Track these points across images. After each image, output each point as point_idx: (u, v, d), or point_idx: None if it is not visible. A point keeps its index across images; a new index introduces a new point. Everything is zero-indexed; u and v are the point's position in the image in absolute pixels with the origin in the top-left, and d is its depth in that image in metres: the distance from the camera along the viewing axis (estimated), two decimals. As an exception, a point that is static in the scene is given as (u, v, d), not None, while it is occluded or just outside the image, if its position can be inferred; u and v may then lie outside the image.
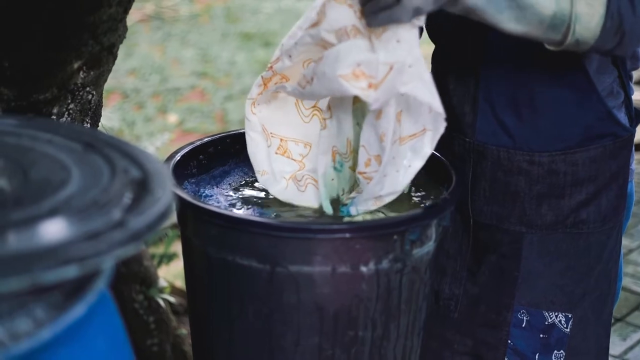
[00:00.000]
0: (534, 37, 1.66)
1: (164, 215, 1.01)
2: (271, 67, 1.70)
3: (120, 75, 6.94)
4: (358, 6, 1.53)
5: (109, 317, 1.12)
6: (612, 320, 3.50)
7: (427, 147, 1.59)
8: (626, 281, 3.87)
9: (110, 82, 6.57)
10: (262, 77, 1.73)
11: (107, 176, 1.09)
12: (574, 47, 1.66)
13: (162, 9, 9.04)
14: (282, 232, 1.55)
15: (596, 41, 1.65)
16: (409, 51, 1.51)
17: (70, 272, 0.88)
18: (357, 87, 1.51)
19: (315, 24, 1.59)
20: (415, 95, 1.53)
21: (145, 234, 0.97)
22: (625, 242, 4.17)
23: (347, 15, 1.55)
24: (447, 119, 1.94)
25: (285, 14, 9.15)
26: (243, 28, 8.59)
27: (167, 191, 1.06)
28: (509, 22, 1.60)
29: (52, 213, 0.98)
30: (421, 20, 1.53)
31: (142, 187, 1.07)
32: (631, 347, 3.45)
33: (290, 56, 1.66)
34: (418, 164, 1.60)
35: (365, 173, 1.65)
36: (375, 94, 1.50)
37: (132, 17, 8.40)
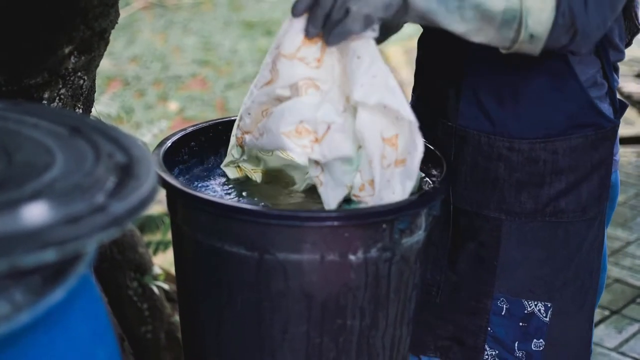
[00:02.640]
0: (489, 39, 1.66)
1: (146, 201, 1.01)
2: (238, 125, 1.77)
3: (122, 62, 6.95)
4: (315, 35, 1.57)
5: (91, 303, 1.12)
6: (609, 313, 3.53)
7: (415, 165, 1.59)
8: (623, 274, 3.88)
9: (111, 69, 6.61)
10: (235, 137, 1.79)
11: (92, 160, 1.08)
12: (528, 45, 1.66)
13: (165, -3, 9.04)
14: (271, 220, 1.55)
15: (549, 36, 1.65)
16: (370, 64, 1.54)
17: (49, 255, 0.88)
18: (298, 145, 1.58)
19: (269, 82, 1.64)
20: (384, 104, 1.54)
21: (127, 218, 0.97)
22: (623, 235, 4.17)
23: (298, 70, 1.59)
24: (432, 103, 1.96)
25: (288, 3, 9.12)
26: (246, 16, 8.59)
27: (151, 177, 1.06)
28: (461, 23, 1.62)
29: (34, 196, 0.97)
30: (375, 30, 1.55)
31: (127, 172, 1.06)
32: (627, 340, 3.46)
33: (249, 114, 1.72)
34: (410, 183, 1.60)
35: (359, 196, 1.66)
36: (319, 147, 1.58)
37: (134, 5, 8.41)
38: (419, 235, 1.64)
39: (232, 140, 1.80)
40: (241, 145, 1.78)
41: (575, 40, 1.67)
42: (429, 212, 1.65)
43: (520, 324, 1.96)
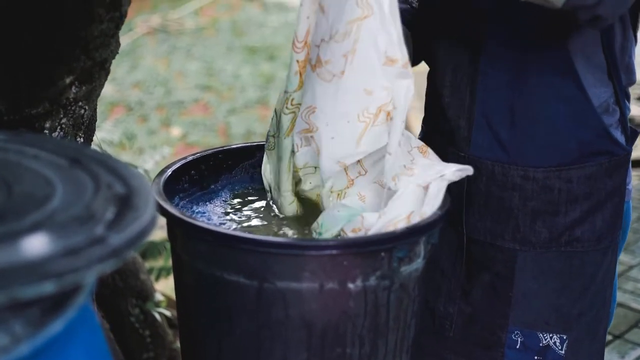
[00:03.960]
0: None
1: (145, 232, 1.02)
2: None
3: (125, 88, 6.97)
4: None
5: (91, 333, 1.13)
6: (611, 338, 3.52)
7: None
8: (625, 298, 3.87)
9: (115, 95, 6.63)
10: (297, 61, 1.71)
11: (91, 191, 1.09)
12: None
13: (168, 22, 9.08)
14: (270, 248, 1.55)
15: None
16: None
17: (47, 287, 0.89)
18: None
19: None
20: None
21: (126, 250, 0.98)
22: (626, 258, 4.16)
23: None
24: (443, 134, 1.95)
25: (290, 28, 9.16)
26: (248, 42, 8.62)
27: (149, 207, 1.06)
28: None
29: (33, 228, 0.98)
30: None
31: (126, 202, 1.07)
32: (629, 365, 3.45)
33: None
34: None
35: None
36: None
37: (137, 30, 8.45)
38: (418, 263, 1.64)
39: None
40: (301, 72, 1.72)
41: (601, 4, 1.59)
42: (427, 240, 1.65)
43: (536, 357, 1.94)
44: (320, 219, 1.70)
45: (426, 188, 1.63)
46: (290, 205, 1.81)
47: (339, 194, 1.72)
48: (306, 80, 1.70)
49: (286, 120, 1.75)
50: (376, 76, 1.61)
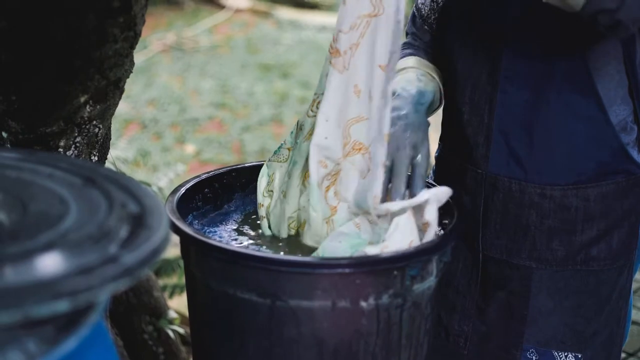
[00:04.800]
0: None
1: (157, 251, 1.03)
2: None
3: (140, 105, 6.99)
4: None
5: (104, 351, 1.13)
6: (625, 356, 3.50)
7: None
8: (639, 316, 3.85)
9: (130, 112, 6.65)
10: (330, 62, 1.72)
11: (105, 210, 1.10)
12: None
13: (183, 40, 9.12)
14: (282, 267, 1.56)
15: None
16: None
17: (61, 306, 0.89)
18: None
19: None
20: None
21: (138, 269, 0.98)
22: (639, 275, 4.15)
23: None
24: (460, 151, 1.95)
25: (305, 46, 9.20)
26: (262, 59, 8.65)
27: (162, 227, 1.07)
28: None
29: (47, 247, 0.99)
30: None
31: (139, 221, 1.08)
32: (644, 383, 3.43)
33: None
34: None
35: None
36: None
37: (152, 48, 8.48)
38: (430, 281, 1.65)
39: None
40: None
41: (622, 8, 1.58)
42: (439, 259, 1.65)
43: None
44: (320, 250, 1.68)
45: (417, 214, 1.64)
46: (287, 219, 1.82)
47: (327, 222, 1.72)
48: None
49: (308, 123, 1.75)
50: (368, 77, 1.63)
